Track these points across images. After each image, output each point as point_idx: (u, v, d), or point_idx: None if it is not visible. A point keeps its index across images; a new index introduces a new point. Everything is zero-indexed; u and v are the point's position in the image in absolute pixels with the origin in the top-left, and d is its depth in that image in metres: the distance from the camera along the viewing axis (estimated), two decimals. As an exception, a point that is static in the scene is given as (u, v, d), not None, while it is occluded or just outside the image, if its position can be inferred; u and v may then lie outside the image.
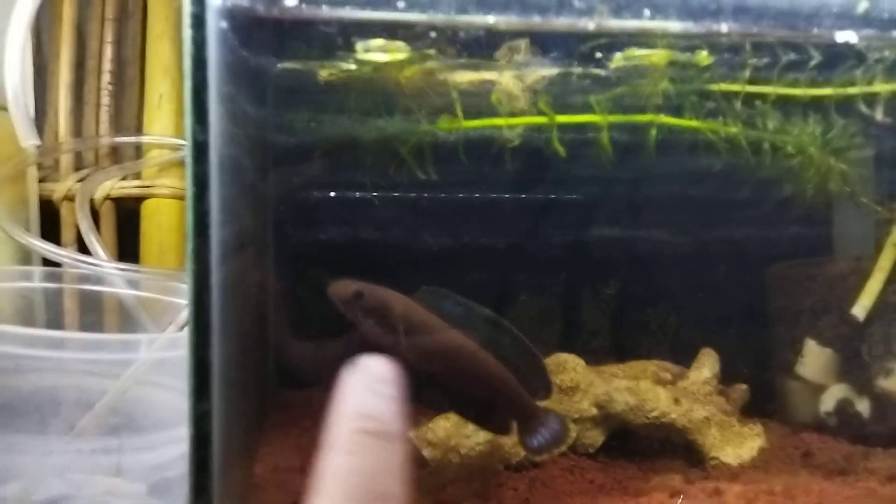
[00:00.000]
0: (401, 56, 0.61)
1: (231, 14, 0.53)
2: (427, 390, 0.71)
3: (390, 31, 0.60)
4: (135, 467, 0.73)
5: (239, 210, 0.59)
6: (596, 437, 0.84)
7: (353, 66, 0.64)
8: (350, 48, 0.62)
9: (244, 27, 0.55)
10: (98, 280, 0.94)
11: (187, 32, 0.51)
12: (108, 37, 1.12)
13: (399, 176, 0.72)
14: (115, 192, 1.08)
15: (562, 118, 0.68)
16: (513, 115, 0.68)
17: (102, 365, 0.71)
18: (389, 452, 0.48)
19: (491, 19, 0.54)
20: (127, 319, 0.94)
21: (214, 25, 0.52)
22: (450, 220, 0.73)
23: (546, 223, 0.82)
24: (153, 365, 0.74)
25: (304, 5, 0.54)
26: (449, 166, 0.72)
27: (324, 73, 0.68)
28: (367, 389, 0.50)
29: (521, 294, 0.85)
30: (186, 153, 0.51)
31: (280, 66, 0.66)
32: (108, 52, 1.12)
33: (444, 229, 0.77)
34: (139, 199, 1.08)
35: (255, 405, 0.82)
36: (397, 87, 0.67)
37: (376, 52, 0.61)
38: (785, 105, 0.71)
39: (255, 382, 0.81)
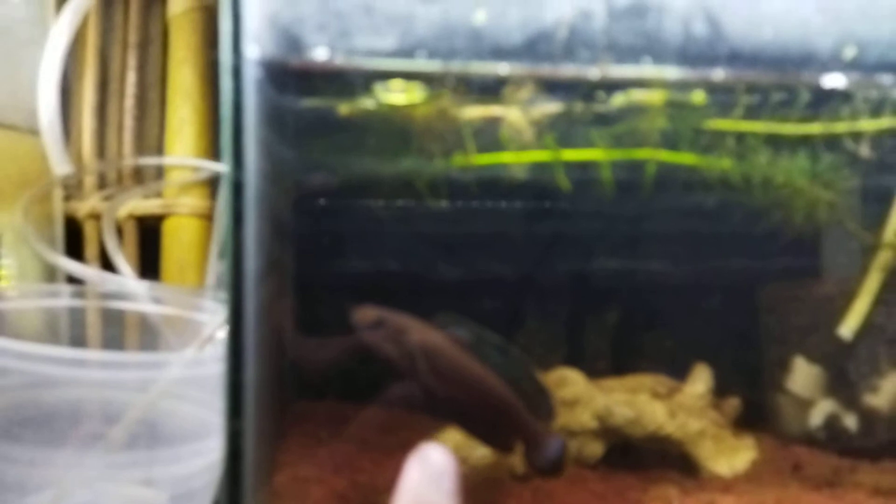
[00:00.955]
0: (417, 97, 0.66)
1: (265, 65, 0.58)
2: (438, 407, 0.76)
3: (409, 77, 0.65)
4: (162, 479, 0.77)
5: (268, 241, 0.64)
6: (596, 449, 0.88)
7: (371, 106, 0.68)
8: (370, 92, 0.67)
9: (277, 76, 0.59)
10: (121, 297, 0.99)
11: (226, 81, 0.56)
12: (131, 62, 1.17)
13: (412, 209, 0.77)
14: (138, 211, 1.13)
15: (566, 154, 0.73)
16: (520, 149, 0.73)
17: (128, 381, 0.75)
18: None
19: (502, 68, 0.59)
20: (147, 335, 0.99)
21: (251, 76, 0.56)
22: (460, 250, 0.78)
23: (551, 255, 0.87)
24: (179, 380, 0.79)
25: (331, 56, 0.59)
26: (459, 200, 0.77)
27: (344, 110, 0.73)
28: (429, 483, 0.54)
29: (527, 321, 0.90)
30: (224, 192, 0.56)
31: (304, 104, 0.70)
32: (132, 77, 1.17)
33: (454, 259, 0.82)
34: (160, 218, 1.13)
35: (276, 417, 0.87)
36: (412, 124, 0.71)
37: (394, 92, 0.66)
38: (775, 141, 0.76)
39: (277, 395, 0.86)
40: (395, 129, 0.70)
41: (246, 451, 0.58)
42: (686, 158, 0.74)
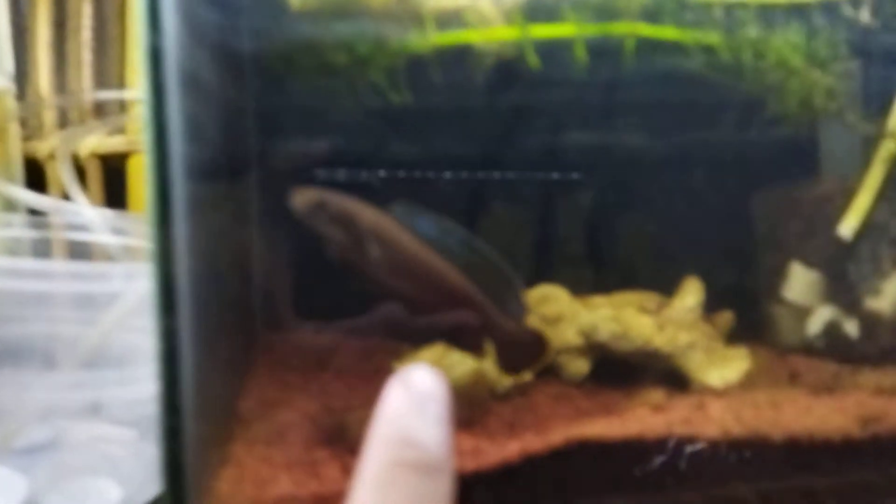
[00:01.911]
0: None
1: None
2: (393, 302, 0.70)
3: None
4: (114, 403, 0.73)
5: (206, 126, 0.59)
6: (581, 366, 0.84)
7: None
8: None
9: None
10: (83, 229, 0.94)
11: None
12: (87, -7, 1.11)
13: (373, 90, 0.71)
14: (101, 149, 1.08)
15: (536, 30, 0.67)
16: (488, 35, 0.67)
17: (76, 301, 0.71)
18: (429, 490, 0.41)
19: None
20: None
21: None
22: (418, 131, 0.72)
23: (518, 133, 0.81)
24: (135, 305, 0.75)
25: None
26: (418, 80, 0.71)
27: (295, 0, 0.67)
28: (412, 409, 0.44)
29: (491, 206, 0.84)
30: (141, 61, 0.51)
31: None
32: (87, 9, 1.12)
33: (413, 141, 0.76)
34: (125, 156, 1.08)
35: (241, 342, 0.82)
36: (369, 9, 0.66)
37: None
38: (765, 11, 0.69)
39: (240, 320, 0.81)
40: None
41: (182, 352, 0.53)
42: (668, 33, 0.68)
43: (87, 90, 1.11)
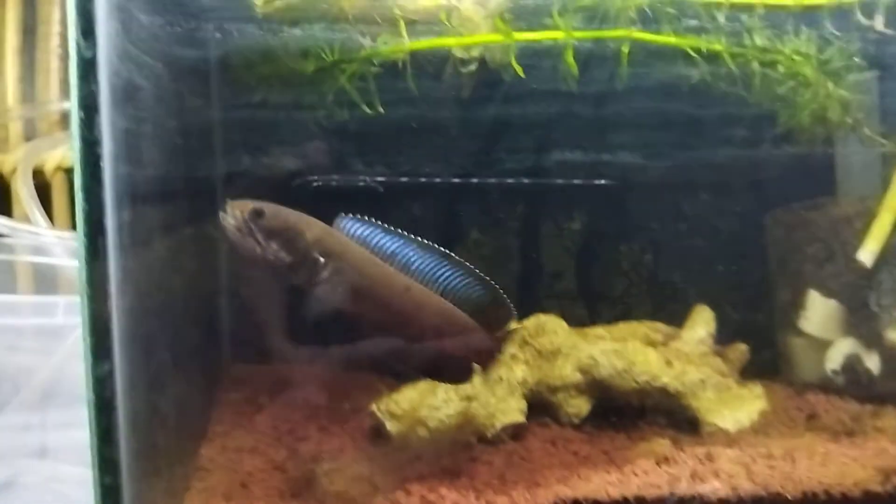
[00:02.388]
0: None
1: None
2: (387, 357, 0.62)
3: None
4: (66, 445, 0.66)
5: (145, 144, 0.52)
6: (581, 406, 0.77)
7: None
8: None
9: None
10: (46, 251, 0.88)
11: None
12: (57, -2, 1.05)
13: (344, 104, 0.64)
14: (67, 163, 1.01)
15: (521, 35, 0.60)
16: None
17: (25, 337, 0.64)
18: None
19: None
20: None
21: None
22: (390, 148, 0.65)
23: (500, 149, 0.74)
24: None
25: None
26: (393, 90, 0.64)
27: (259, 2, 0.60)
28: None
29: (471, 232, 0.76)
30: (71, 72, 0.44)
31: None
32: (57, 13, 1.05)
33: (383, 158, 0.69)
34: (93, 169, 1.01)
35: (203, 379, 0.75)
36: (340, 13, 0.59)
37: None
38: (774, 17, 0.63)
39: (201, 354, 0.75)
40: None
41: (118, 400, 0.46)
42: (668, 40, 0.61)
43: (54, 100, 1.05)
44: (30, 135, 1.06)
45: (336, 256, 0.56)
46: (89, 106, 0.44)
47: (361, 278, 0.57)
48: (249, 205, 0.55)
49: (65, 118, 1.04)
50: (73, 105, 0.44)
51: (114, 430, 0.47)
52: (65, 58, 1.05)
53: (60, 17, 1.05)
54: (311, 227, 0.56)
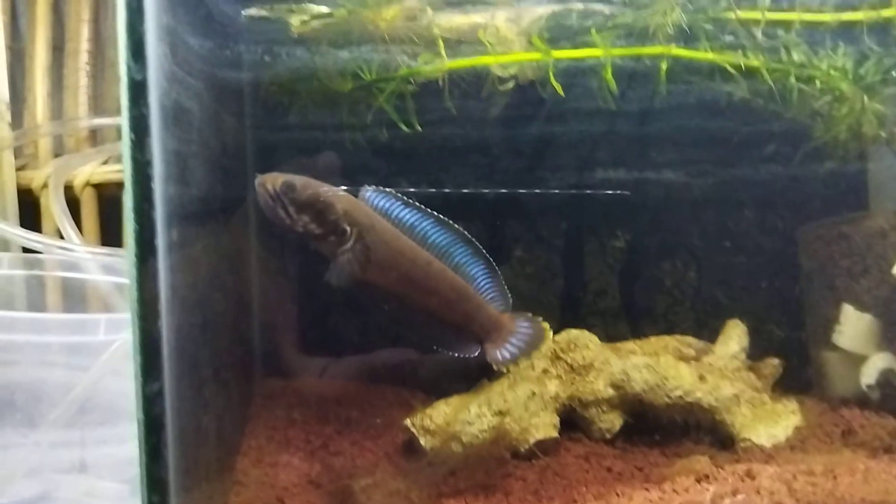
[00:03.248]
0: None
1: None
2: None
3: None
4: (102, 462, 0.67)
5: (191, 163, 0.53)
6: (613, 421, 0.76)
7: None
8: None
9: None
10: (76, 266, 0.88)
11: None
12: (85, 15, 1.06)
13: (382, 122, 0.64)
14: (96, 178, 1.02)
15: (559, 53, 0.61)
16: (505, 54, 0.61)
17: (63, 352, 0.64)
18: None
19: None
20: (110, 306, 0.89)
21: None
22: (434, 166, 0.65)
23: (541, 167, 0.74)
24: (123, 355, 0.68)
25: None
26: (431, 107, 0.64)
27: (296, 22, 0.61)
28: None
29: (515, 249, 0.76)
30: (122, 95, 0.45)
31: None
32: (86, 31, 1.06)
33: (427, 176, 0.70)
34: (121, 185, 1.02)
35: (238, 392, 0.76)
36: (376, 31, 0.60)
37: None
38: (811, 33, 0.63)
39: (237, 368, 0.75)
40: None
41: (167, 419, 0.47)
42: (706, 56, 0.61)
43: (83, 116, 1.06)
44: (58, 151, 1.07)
45: (364, 228, 0.58)
46: (140, 128, 0.44)
47: (386, 250, 0.59)
48: (281, 178, 0.57)
49: (93, 134, 1.05)
50: (123, 127, 0.45)
51: (162, 449, 0.47)
52: (93, 75, 1.07)
53: (89, 35, 1.07)
54: (340, 199, 0.58)
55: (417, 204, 0.61)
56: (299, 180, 0.57)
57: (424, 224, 0.61)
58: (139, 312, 0.46)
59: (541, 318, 0.68)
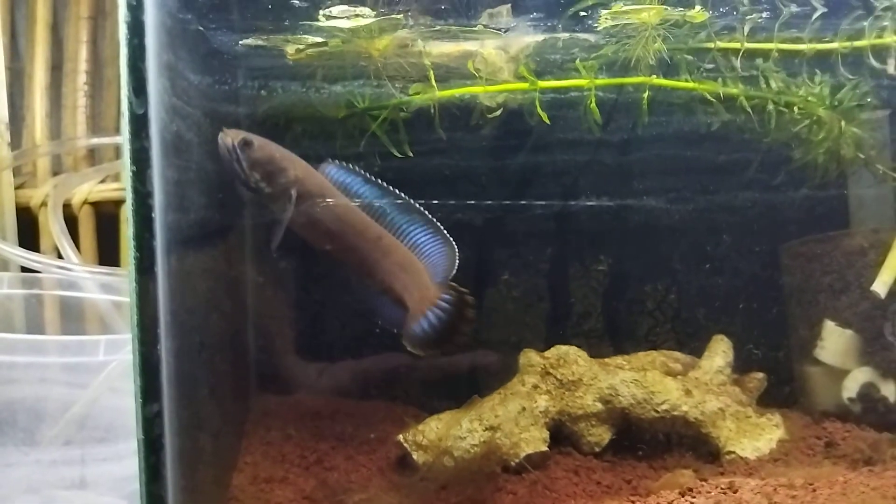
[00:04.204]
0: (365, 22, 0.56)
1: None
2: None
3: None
4: (102, 479, 0.68)
5: (189, 192, 0.55)
6: (602, 435, 0.78)
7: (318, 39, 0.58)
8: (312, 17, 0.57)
9: None
10: (75, 286, 0.90)
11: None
12: (84, 36, 1.08)
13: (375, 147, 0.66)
14: (94, 196, 1.03)
15: (545, 83, 0.63)
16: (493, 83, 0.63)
17: (64, 371, 0.66)
18: None
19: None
20: (108, 325, 0.90)
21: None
22: (422, 190, 0.68)
23: (528, 193, 0.76)
24: (121, 372, 0.70)
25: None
26: (422, 135, 0.66)
27: (291, 51, 0.63)
28: None
29: (502, 274, 0.78)
30: (123, 128, 0.46)
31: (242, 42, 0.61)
32: (84, 51, 1.08)
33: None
34: (119, 203, 1.03)
35: (232, 410, 0.77)
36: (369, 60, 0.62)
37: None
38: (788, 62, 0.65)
39: (231, 385, 0.76)
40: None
41: (165, 439, 0.48)
42: (687, 85, 0.63)
43: (81, 135, 1.07)
44: (56, 169, 1.08)
45: (312, 196, 0.61)
46: (141, 160, 0.46)
47: (335, 222, 0.61)
48: (242, 134, 0.60)
49: (91, 153, 1.07)
50: (124, 159, 0.46)
51: (161, 468, 0.49)
52: (91, 95, 1.08)
53: (87, 55, 1.08)
54: (294, 166, 0.61)
55: (379, 182, 0.63)
56: (258, 140, 0.61)
57: (383, 202, 0.63)
58: (139, 337, 0.47)
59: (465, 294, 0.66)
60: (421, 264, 0.66)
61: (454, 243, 0.66)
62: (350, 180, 0.63)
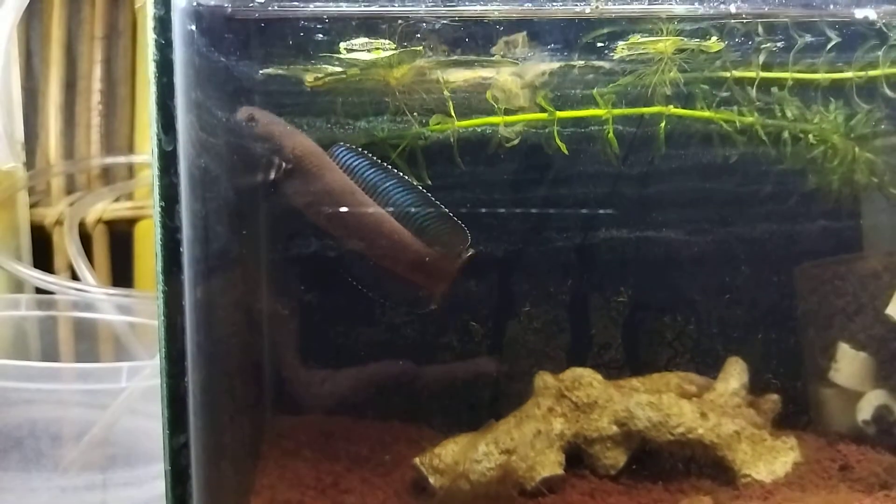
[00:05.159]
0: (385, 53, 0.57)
1: (199, 15, 0.49)
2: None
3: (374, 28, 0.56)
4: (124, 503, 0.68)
5: (214, 225, 0.55)
6: (617, 458, 0.78)
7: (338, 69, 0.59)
8: (333, 49, 0.58)
9: (214, 28, 0.51)
10: (90, 307, 0.90)
11: (151, 36, 0.47)
12: (98, 55, 1.09)
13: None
14: (108, 215, 1.04)
15: (563, 114, 0.63)
16: (510, 112, 0.63)
17: (84, 395, 0.66)
18: None
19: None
20: (123, 346, 0.90)
21: (180, 27, 0.48)
22: None
23: (549, 226, 0.76)
24: (141, 394, 0.70)
25: (276, 3, 0.50)
26: (440, 167, 0.67)
27: (309, 79, 0.64)
28: None
29: (523, 305, 0.79)
30: (153, 165, 0.47)
31: (262, 71, 0.61)
32: (98, 71, 1.09)
33: None
34: (132, 221, 1.04)
35: (249, 434, 0.77)
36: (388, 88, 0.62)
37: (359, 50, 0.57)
38: (804, 91, 0.66)
39: (248, 409, 0.77)
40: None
41: (192, 470, 0.49)
42: (703, 115, 0.64)
43: (95, 155, 1.08)
44: (70, 187, 1.09)
45: (309, 176, 0.62)
46: (170, 196, 0.47)
47: (333, 202, 0.63)
48: (251, 110, 0.62)
49: (105, 172, 1.07)
50: (153, 195, 0.47)
51: (188, 499, 0.49)
52: (105, 114, 1.09)
53: (101, 75, 1.09)
54: (295, 144, 0.62)
55: (386, 166, 0.64)
56: (264, 116, 0.63)
57: (388, 185, 0.64)
58: (167, 369, 0.48)
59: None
60: (421, 249, 0.68)
61: (463, 226, 0.67)
62: (357, 163, 0.65)
